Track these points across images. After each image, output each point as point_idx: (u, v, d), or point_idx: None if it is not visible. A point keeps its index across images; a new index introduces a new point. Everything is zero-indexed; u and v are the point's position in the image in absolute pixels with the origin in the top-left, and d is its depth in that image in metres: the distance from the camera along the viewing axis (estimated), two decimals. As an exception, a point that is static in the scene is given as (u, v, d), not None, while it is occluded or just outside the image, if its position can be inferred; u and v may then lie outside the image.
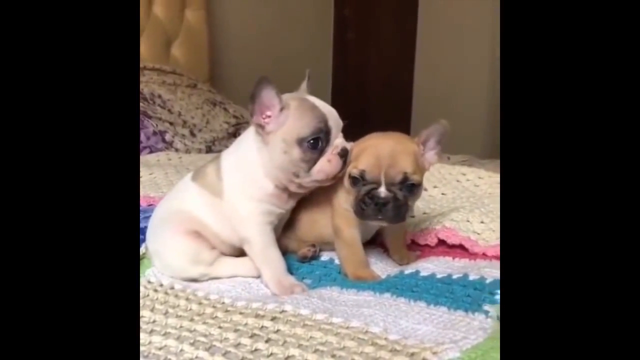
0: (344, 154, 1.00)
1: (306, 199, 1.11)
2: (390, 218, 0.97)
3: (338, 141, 1.01)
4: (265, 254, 1.03)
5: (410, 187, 0.97)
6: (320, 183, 1.02)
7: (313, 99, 1.02)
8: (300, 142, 0.97)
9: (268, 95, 0.96)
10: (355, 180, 0.98)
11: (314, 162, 0.99)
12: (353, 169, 0.98)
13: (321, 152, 0.99)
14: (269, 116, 0.99)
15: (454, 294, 0.88)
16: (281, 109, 0.98)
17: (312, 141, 0.97)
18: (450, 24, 3.66)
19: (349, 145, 1.02)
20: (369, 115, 3.50)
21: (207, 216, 1.05)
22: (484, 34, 3.47)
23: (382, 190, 0.95)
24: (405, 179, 0.96)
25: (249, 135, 1.05)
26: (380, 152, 0.97)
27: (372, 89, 4.00)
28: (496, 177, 1.55)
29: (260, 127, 0.99)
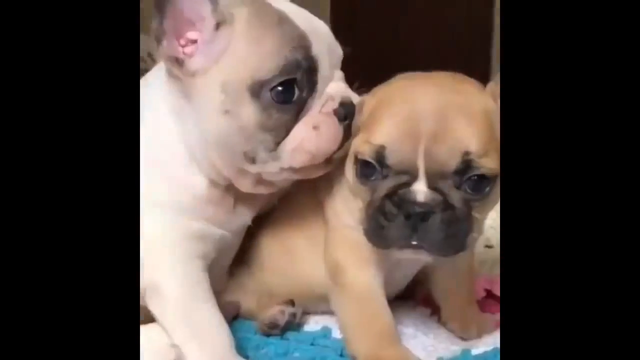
0: (346, 113, 0.62)
1: (276, 213, 0.76)
2: (435, 245, 0.59)
3: (334, 87, 0.63)
4: (190, 315, 0.63)
5: (479, 183, 0.59)
6: (301, 174, 0.64)
7: (286, 5, 0.64)
8: (255, 90, 0.59)
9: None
10: (368, 168, 0.61)
11: (286, 130, 0.61)
12: (363, 145, 0.60)
13: (299, 111, 0.61)
14: (194, 41, 0.60)
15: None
16: (217, 26, 0.59)
17: (280, 88, 0.59)
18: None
19: (356, 97, 0.65)
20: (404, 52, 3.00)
21: None
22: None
23: (421, 189, 0.58)
24: (467, 165, 0.58)
25: (154, 83, 0.66)
26: (416, 111, 0.59)
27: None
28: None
29: (177, 62, 0.61)
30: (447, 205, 0.58)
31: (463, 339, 0.77)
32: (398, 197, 0.59)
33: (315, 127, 0.60)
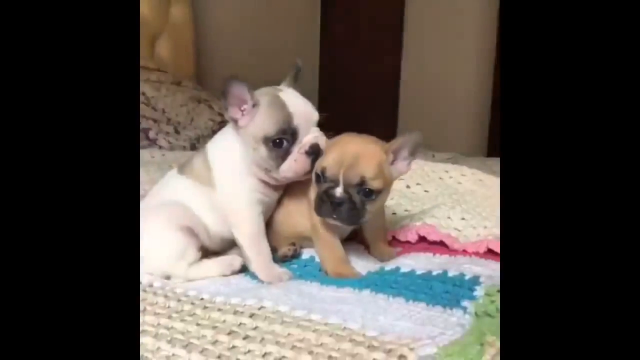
0: (312, 152, 1.02)
1: (283, 194, 1.14)
2: (343, 219, 0.98)
3: (308, 138, 1.03)
4: (256, 241, 1.05)
5: (368, 193, 0.98)
6: (293, 179, 1.05)
7: (287, 96, 1.04)
8: (265, 140, 1.01)
9: (239, 90, 1.00)
10: (317, 177, 1.00)
11: (282, 159, 1.02)
12: (318, 166, 1.00)
13: (287, 152, 1.02)
14: (243, 110, 1.02)
15: (433, 290, 0.89)
16: (253, 105, 1.01)
17: (277, 141, 1.00)
18: (437, 20, 3.66)
19: (322, 141, 1.04)
20: (355, 109, 3.51)
21: (198, 207, 1.08)
22: (472, 29, 3.48)
23: (338, 190, 0.97)
24: (362, 182, 0.96)
25: (231, 130, 1.08)
26: (343, 152, 0.98)
27: (359, 84, 4.00)
28: (479, 175, 1.56)
29: (234, 121, 1.03)
30: (350, 201, 0.96)
31: (381, 262, 1.10)
32: (328, 193, 0.97)
33: (295, 160, 1.02)
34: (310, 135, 1.03)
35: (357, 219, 0.99)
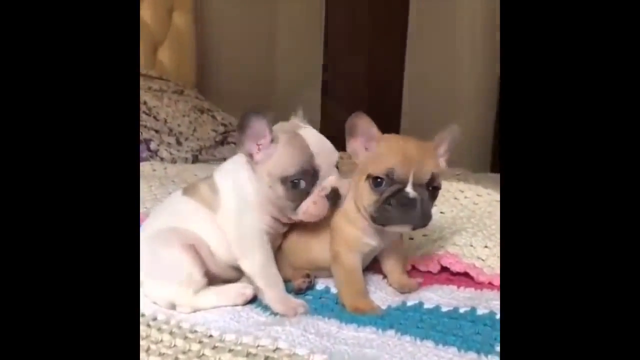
0: (333, 196, 0.96)
1: (299, 224, 1.06)
2: (417, 220, 0.91)
3: (330, 180, 0.97)
4: (266, 271, 0.98)
5: (434, 191, 0.93)
6: (308, 221, 0.99)
7: (308, 134, 0.98)
8: (283, 180, 0.94)
9: (259, 125, 0.93)
10: (379, 182, 0.91)
11: (300, 201, 0.95)
12: (376, 169, 0.91)
13: (307, 193, 0.95)
14: (260, 144, 0.95)
15: (463, 332, 0.83)
16: (271, 141, 0.95)
17: (295, 181, 0.94)
18: (441, 32, 3.61)
19: (344, 186, 0.98)
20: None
21: (204, 232, 1.00)
22: (475, 43, 3.43)
23: (410, 191, 0.89)
24: (432, 179, 0.91)
25: (243, 160, 1.01)
26: (406, 149, 0.91)
27: (362, 93, 3.94)
28: (495, 195, 1.50)
29: (249, 156, 0.96)
30: (422, 200, 0.90)
31: (400, 293, 1.04)
32: (398, 196, 0.89)
33: (314, 202, 0.95)
34: (332, 177, 0.97)
35: (428, 220, 0.92)
